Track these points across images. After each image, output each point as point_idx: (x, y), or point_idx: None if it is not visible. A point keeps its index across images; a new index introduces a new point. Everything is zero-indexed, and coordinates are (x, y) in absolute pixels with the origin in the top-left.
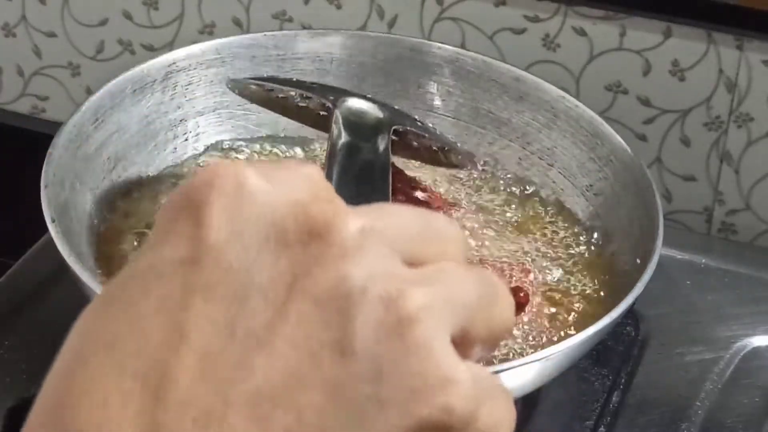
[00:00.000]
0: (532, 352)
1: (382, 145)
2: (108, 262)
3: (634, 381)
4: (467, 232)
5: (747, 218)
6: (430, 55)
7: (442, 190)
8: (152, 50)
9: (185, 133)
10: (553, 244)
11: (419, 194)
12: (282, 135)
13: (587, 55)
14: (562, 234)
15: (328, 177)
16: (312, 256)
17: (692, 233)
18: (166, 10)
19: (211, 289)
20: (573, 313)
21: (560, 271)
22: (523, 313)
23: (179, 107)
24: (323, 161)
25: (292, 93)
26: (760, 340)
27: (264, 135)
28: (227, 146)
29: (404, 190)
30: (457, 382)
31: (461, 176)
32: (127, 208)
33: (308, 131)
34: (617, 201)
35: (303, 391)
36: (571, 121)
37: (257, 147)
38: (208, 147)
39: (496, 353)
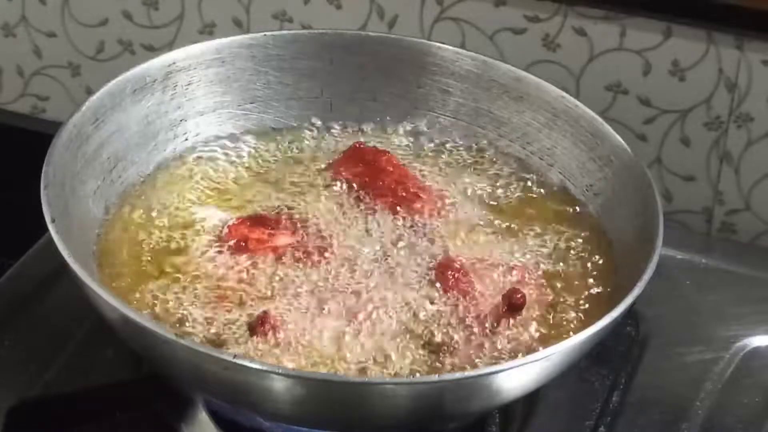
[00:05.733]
0: (531, 353)
1: None
2: (108, 262)
3: (634, 381)
4: (465, 232)
5: (747, 218)
6: (430, 55)
7: (441, 189)
8: (152, 50)
9: (185, 133)
10: (553, 244)
11: (415, 191)
12: (282, 133)
13: (587, 55)
14: (561, 234)
15: None
16: None
17: (692, 233)
18: (166, 10)
19: None
20: (573, 313)
21: (560, 271)
22: (520, 314)
23: (179, 107)
24: (322, 158)
25: None
26: (760, 340)
27: (264, 134)
28: (227, 146)
29: (401, 186)
30: None
31: (461, 174)
32: (127, 207)
33: (308, 128)
34: (617, 201)
35: None
36: (571, 121)
37: (257, 146)
38: (208, 147)
39: (495, 353)
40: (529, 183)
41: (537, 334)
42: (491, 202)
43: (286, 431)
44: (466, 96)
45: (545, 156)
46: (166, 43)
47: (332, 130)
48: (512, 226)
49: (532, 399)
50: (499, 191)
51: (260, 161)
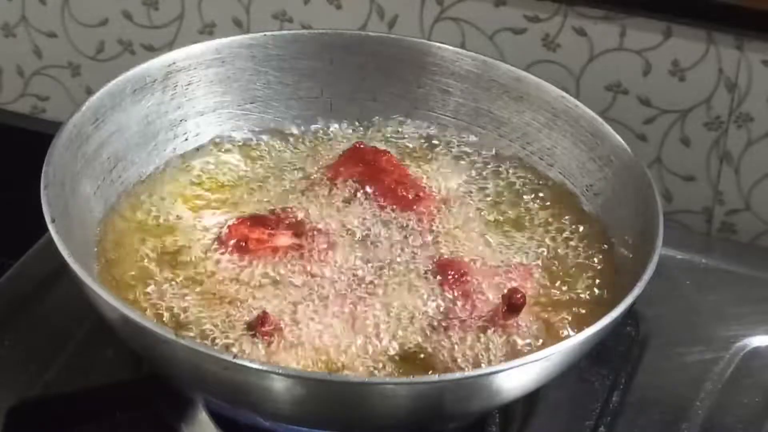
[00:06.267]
0: (532, 352)
1: None
2: (108, 262)
3: (634, 381)
4: (465, 232)
5: (747, 218)
6: (430, 55)
7: (441, 189)
8: (152, 50)
9: (185, 133)
10: (553, 243)
11: (415, 191)
12: (282, 133)
13: (587, 55)
14: (561, 233)
15: None
16: None
17: (692, 233)
18: (166, 10)
19: None
20: (573, 313)
21: (560, 271)
22: (520, 314)
23: (179, 107)
24: (322, 158)
25: None
26: (760, 340)
27: (264, 134)
28: (227, 146)
29: (401, 186)
30: None
31: (461, 174)
32: (127, 207)
33: (308, 129)
34: (617, 201)
35: None
36: (571, 121)
37: (258, 146)
38: (208, 147)
39: (495, 352)
40: (529, 183)
41: (536, 334)
42: (491, 202)
43: (286, 431)
44: (466, 96)
45: (545, 156)
46: (166, 43)
47: (332, 130)
48: (512, 226)
49: (532, 399)
50: (499, 191)
51: (260, 161)
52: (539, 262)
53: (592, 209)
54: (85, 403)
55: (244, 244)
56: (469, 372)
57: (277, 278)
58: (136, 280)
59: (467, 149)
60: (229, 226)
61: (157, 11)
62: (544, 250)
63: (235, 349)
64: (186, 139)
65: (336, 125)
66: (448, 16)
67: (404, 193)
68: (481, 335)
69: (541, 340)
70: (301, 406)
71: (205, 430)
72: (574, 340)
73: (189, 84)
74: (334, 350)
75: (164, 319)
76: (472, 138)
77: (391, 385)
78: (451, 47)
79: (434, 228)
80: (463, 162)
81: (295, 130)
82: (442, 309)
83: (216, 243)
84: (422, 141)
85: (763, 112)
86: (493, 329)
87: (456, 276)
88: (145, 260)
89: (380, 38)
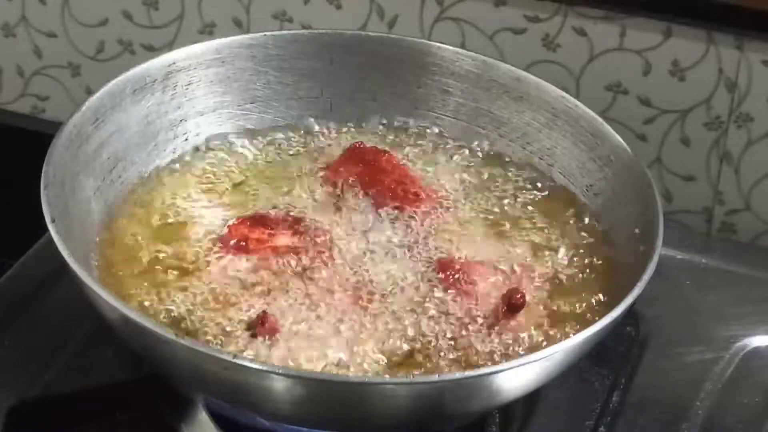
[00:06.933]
0: (532, 353)
1: None
2: (108, 262)
3: (634, 381)
4: (464, 232)
5: (747, 218)
6: (430, 55)
7: (441, 189)
8: (152, 50)
9: (185, 133)
10: (553, 243)
11: (415, 191)
12: (282, 133)
13: (587, 55)
14: (561, 234)
15: None
16: None
17: (692, 233)
18: (166, 10)
19: None
20: (573, 313)
21: (559, 271)
22: (520, 314)
23: (179, 107)
24: (322, 158)
25: None
26: (760, 340)
27: (264, 134)
28: (227, 146)
29: (401, 186)
30: None
31: (461, 174)
32: (127, 207)
33: (309, 130)
34: (617, 201)
35: None
36: (571, 121)
37: (257, 146)
38: (208, 147)
39: (495, 352)
40: (529, 183)
41: (536, 334)
42: (491, 202)
43: (286, 431)
44: (466, 96)
45: (545, 156)
46: (166, 43)
47: (332, 130)
48: (512, 226)
49: (532, 399)
50: (499, 191)
51: (260, 161)
52: (539, 261)
53: (592, 209)
54: (85, 403)
55: (244, 244)
56: (469, 372)
57: (277, 278)
58: (136, 279)
59: (467, 149)
60: (229, 226)
61: (157, 11)
62: (544, 249)
63: (234, 350)
64: (186, 139)
65: (336, 125)
66: (448, 16)
67: (404, 193)
68: (481, 335)
69: (541, 340)
70: (301, 406)
71: (205, 430)
72: (574, 340)
73: (189, 84)
74: (333, 350)
75: (164, 319)
76: (472, 138)
77: (391, 385)
78: (451, 47)
79: (434, 228)
80: (462, 162)
81: (295, 130)
82: (441, 309)
83: (216, 243)
84: (422, 141)
85: (763, 112)
86: (493, 329)
87: (456, 276)
88: (145, 260)
89: (380, 38)
